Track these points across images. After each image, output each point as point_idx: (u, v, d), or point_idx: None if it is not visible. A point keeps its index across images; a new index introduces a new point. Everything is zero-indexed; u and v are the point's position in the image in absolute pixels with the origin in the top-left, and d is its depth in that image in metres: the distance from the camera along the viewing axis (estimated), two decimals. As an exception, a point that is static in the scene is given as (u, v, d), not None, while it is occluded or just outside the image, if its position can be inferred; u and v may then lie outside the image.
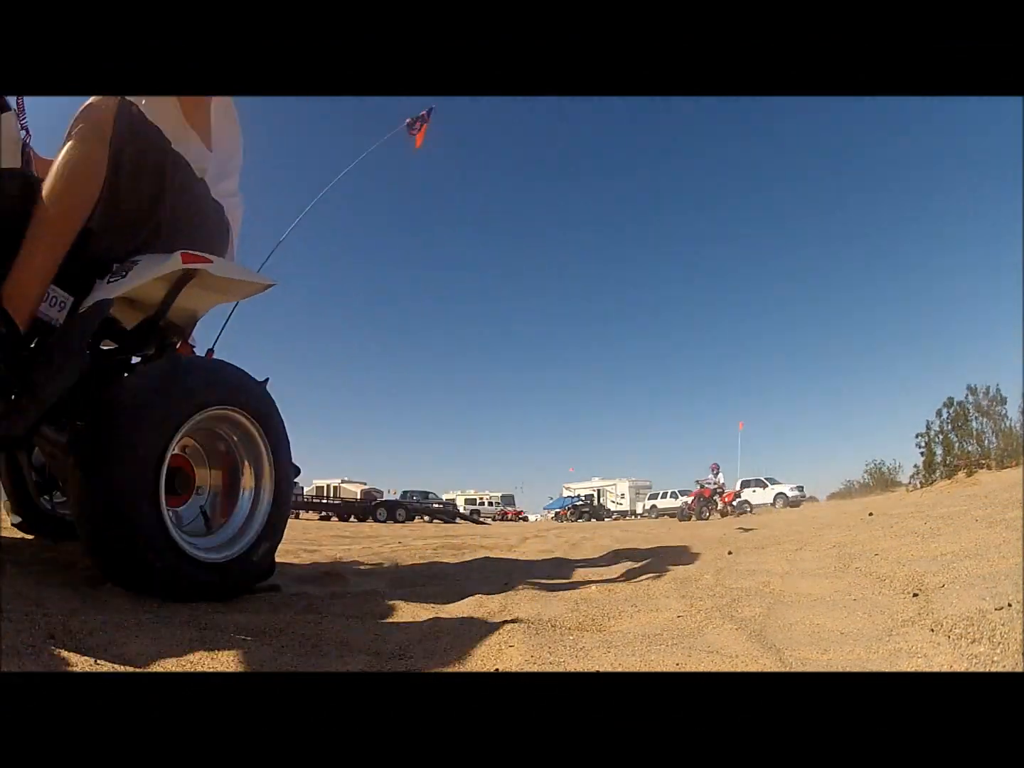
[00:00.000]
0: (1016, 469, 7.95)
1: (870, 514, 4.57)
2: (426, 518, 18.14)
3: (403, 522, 15.88)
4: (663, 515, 26.98)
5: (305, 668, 1.02)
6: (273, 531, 1.76)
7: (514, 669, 1.03)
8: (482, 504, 35.54)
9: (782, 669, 0.95)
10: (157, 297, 1.68)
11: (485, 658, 1.11)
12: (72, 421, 1.57)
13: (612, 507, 33.94)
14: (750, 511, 17.73)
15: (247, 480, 1.78)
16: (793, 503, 23.99)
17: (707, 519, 13.61)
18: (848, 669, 0.95)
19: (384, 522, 15.58)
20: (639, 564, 2.56)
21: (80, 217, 1.53)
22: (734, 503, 15.80)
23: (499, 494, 38.21)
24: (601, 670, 1.00)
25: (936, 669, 0.90)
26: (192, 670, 0.95)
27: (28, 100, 2.09)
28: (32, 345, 1.49)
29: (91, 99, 1.64)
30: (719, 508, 14.62)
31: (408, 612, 1.52)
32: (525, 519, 31.52)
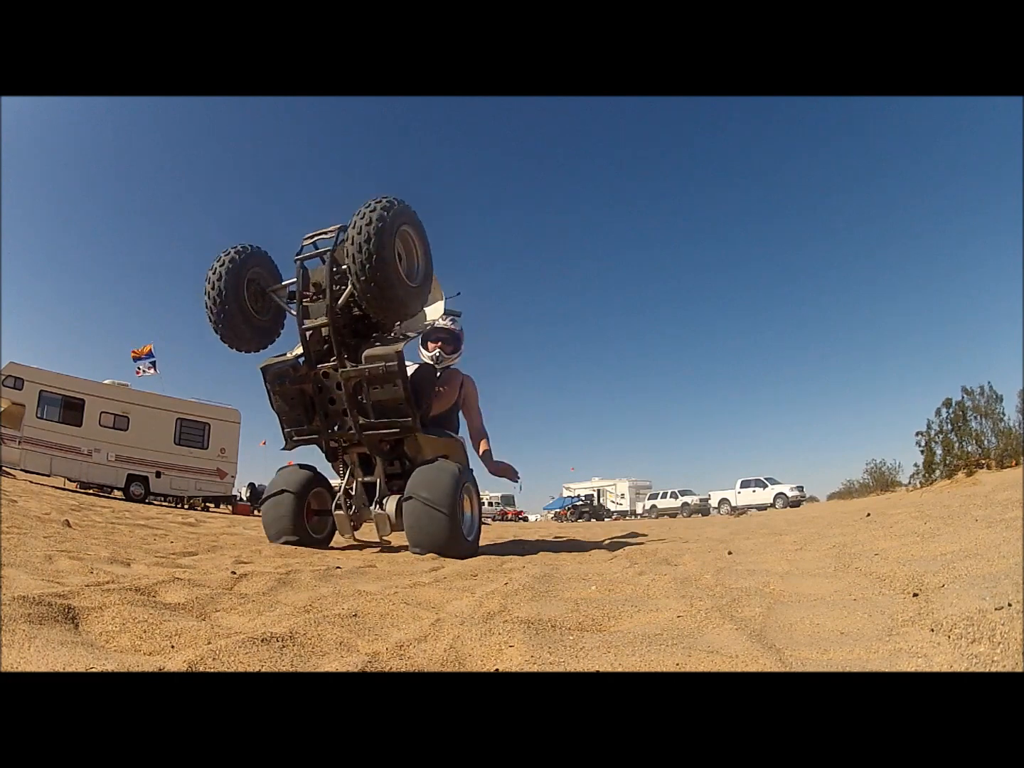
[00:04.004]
0: (1016, 469, 7.96)
1: (867, 515, 4.57)
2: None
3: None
4: (663, 515, 27.01)
5: (305, 668, 1.02)
6: None
7: (514, 669, 1.03)
8: (482, 504, 35.48)
9: (782, 669, 0.95)
10: None
11: (485, 658, 1.11)
12: None
13: (612, 507, 33.92)
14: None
15: None
16: (793, 503, 24.01)
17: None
18: (848, 669, 0.95)
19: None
20: (639, 564, 2.56)
21: None
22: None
23: (499, 494, 38.23)
24: (601, 670, 1.00)
25: (936, 669, 0.90)
26: (193, 670, 0.94)
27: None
28: None
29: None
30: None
31: (408, 612, 1.52)
32: (525, 519, 31.55)
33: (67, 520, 3.84)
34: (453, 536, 3.21)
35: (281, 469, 4.19)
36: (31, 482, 10.60)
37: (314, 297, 3.62)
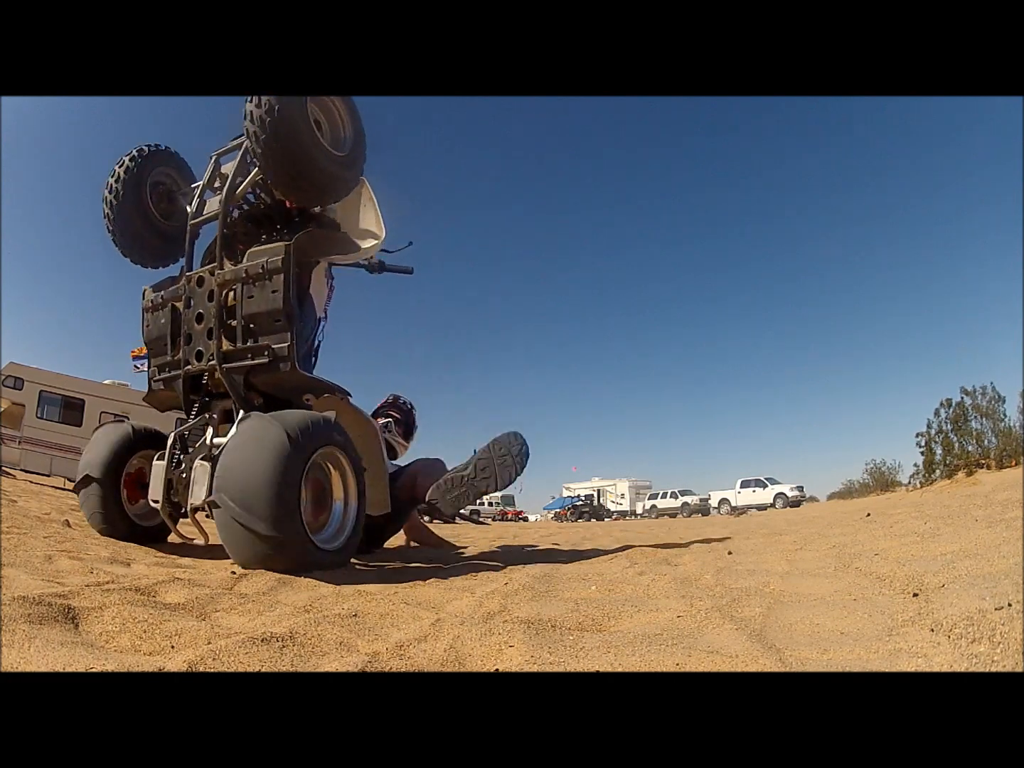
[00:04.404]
0: (1016, 469, 7.96)
1: (867, 515, 4.57)
2: (425, 518, 18.14)
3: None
4: (663, 515, 27.04)
5: (305, 668, 1.02)
6: None
7: (514, 669, 1.03)
8: (482, 504, 35.58)
9: (782, 669, 0.95)
10: None
11: (485, 658, 1.11)
12: None
13: (612, 507, 33.97)
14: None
15: None
16: (793, 503, 24.05)
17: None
18: (848, 669, 0.95)
19: (384, 522, 15.51)
20: (639, 564, 2.56)
21: None
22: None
23: (499, 495, 38.28)
24: (601, 670, 1.00)
25: (936, 669, 0.90)
26: (193, 670, 0.95)
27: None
28: None
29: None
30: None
31: (408, 612, 1.52)
32: (525, 519, 31.62)
33: (67, 520, 3.84)
34: (285, 556, 2.05)
35: (98, 428, 3.12)
36: (31, 482, 10.60)
37: (217, 190, 2.84)
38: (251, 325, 2.48)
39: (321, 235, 2.78)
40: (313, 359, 2.94)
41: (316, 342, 2.93)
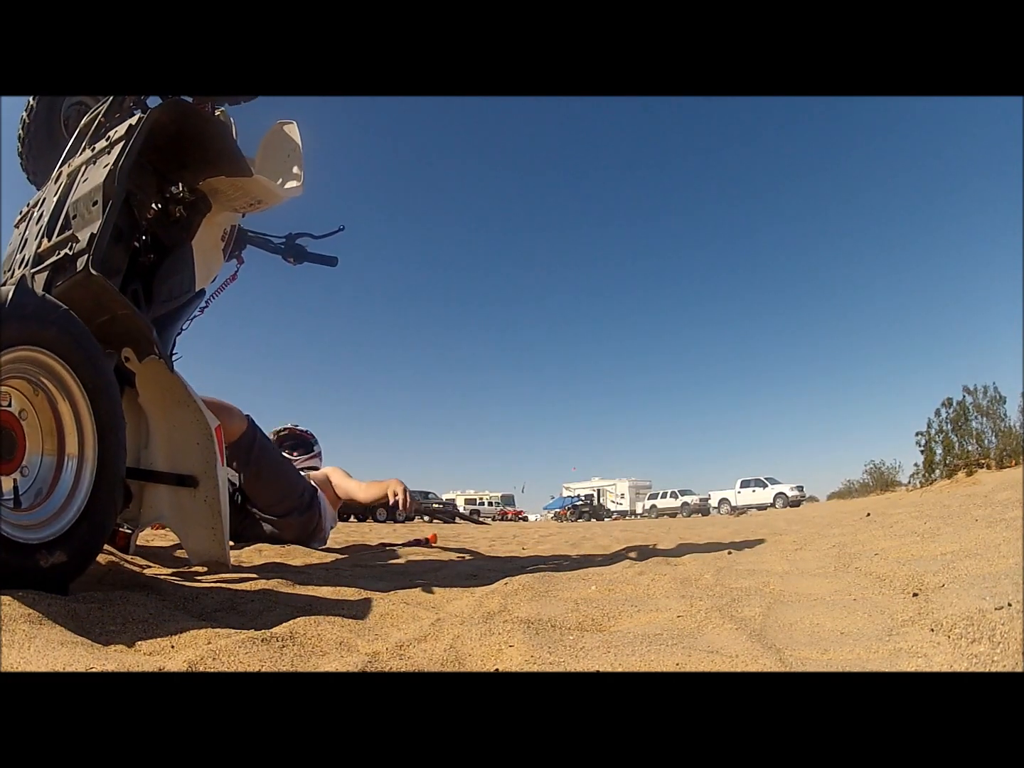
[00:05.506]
0: (1016, 469, 7.96)
1: (867, 514, 4.57)
2: (425, 518, 18.22)
3: (402, 522, 15.84)
4: (663, 515, 27.07)
5: (305, 668, 1.02)
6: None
7: (514, 669, 1.03)
8: (482, 504, 35.61)
9: (782, 669, 0.95)
10: None
11: (485, 658, 1.11)
12: None
13: (612, 507, 34.01)
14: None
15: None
16: (793, 503, 24.09)
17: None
18: (848, 669, 0.95)
19: (384, 522, 15.58)
20: (639, 564, 2.56)
21: None
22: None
23: (499, 494, 38.30)
24: (601, 670, 1.00)
25: (936, 669, 0.90)
26: (193, 670, 0.95)
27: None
28: None
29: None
30: None
31: (408, 612, 1.52)
32: (525, 519, 31.65)
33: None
34: None
35: None
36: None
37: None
38: (73, 215, 1.87)
39: (191, 110, 2.00)
40: (172, 341, 2.31)
41: (184, 316, 2.34)
